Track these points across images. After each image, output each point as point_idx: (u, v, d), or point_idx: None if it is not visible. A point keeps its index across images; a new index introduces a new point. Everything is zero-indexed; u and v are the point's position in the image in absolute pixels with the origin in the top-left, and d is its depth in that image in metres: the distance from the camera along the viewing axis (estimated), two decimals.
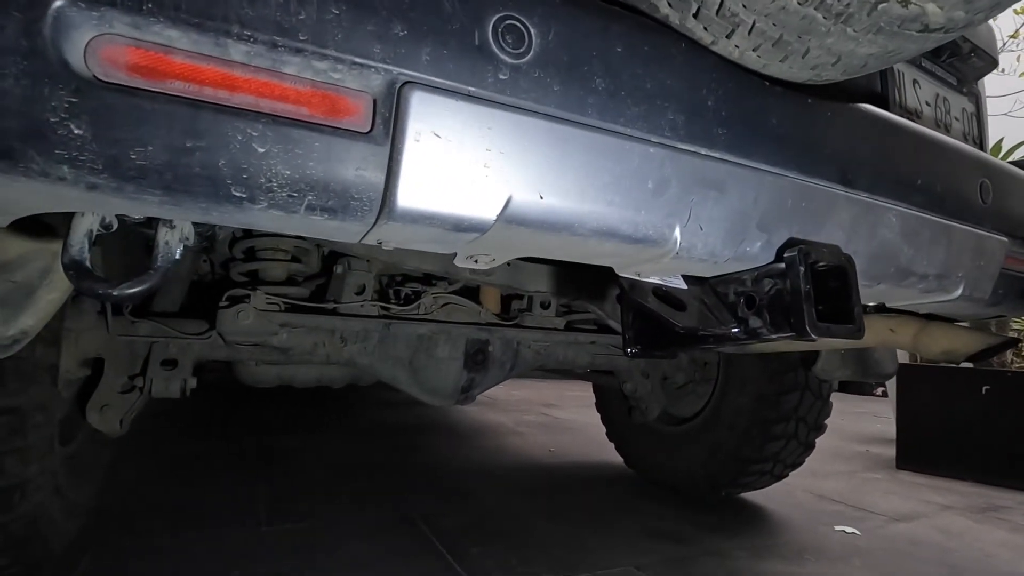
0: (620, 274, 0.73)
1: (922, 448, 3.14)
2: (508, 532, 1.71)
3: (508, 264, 1.73)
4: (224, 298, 1.47)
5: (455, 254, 0.66)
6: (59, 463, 1.18)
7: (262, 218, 0.50)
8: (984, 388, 2.97)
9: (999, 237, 0.93)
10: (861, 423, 5.29)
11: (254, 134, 0.44)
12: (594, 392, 2.82)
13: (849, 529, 1.97)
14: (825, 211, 0.71)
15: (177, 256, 0.60)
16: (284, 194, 0.47)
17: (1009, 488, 2.82)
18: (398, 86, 0.48)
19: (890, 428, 4.16)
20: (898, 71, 1.13)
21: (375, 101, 0.48)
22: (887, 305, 1.05)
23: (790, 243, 0.68)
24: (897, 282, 0.83)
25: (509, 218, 0.55)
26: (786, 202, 0.68)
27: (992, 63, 1.28)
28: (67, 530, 1.24)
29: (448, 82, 0.50)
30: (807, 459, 2.17)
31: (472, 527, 1.73)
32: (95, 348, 1.43)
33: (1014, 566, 1.73)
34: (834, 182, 0.72)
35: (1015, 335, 4.07)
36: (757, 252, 0.69)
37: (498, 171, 0.52)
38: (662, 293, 0.75)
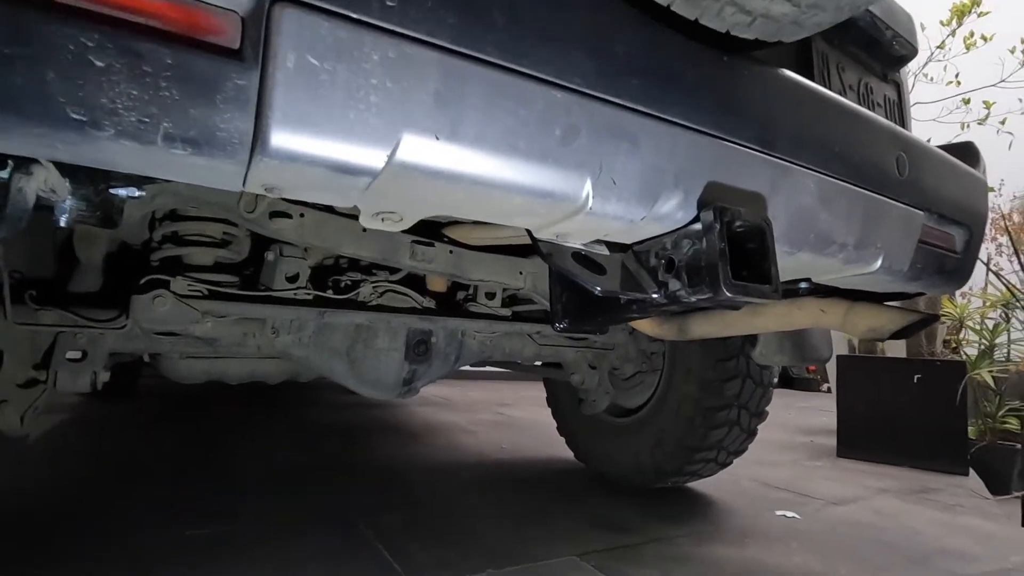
0: (538, 236, 0.70)
1: (860, 436, 3.26)
2: (451, 528, 1.66)
3: (451, 252, 1.69)
4: (141, 283, 1.37)
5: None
6: None
7: (117, 152, 0.44)
8: (916, 377, 3.10)
9: (915, 210, 0.95)
10: (807, 417, 5.47)
11: (90, 44, 0.39)
12: (545, 387, 2.80)
13: (790, 513, 2.00)
14: (743, 172, 0.70)
15: (29, 205, 0.53)
16: (133, 119, 0.42)
17: (939, 472, 2.95)
18: (268, 2, 0.44)
19: (834, 421, 4.31)
20: (823, 54, 1.15)
21: (243, 20, 0.44)
22: (813, 281, 1.06)
23: (707, 203, 0.66)
24: (818, 250, 0.83)
25: (402, 162, 0.51)
26: (703, 160, 0.67)
27: (912, 51, 1.32)
28: None
29: (327, 4, 0.45)
30: (754, 450, 2.21)
31: (414, 524, 1.67)
32: None
33: (940, 541, 1.80)
34: (752, 143, 0.71)
35: (936, 316, 4.28)
36: (674, 212, 0.67)
37: (385, 107, 0.48)
38: (581, 257, 0.73)
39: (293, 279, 1.62)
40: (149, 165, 0.47)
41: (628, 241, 0.74)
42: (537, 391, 3.12)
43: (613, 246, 0.77)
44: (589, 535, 1.66)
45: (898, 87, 1.34)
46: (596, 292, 0.70)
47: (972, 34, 4.38)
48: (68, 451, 2.33)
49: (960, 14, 4.31)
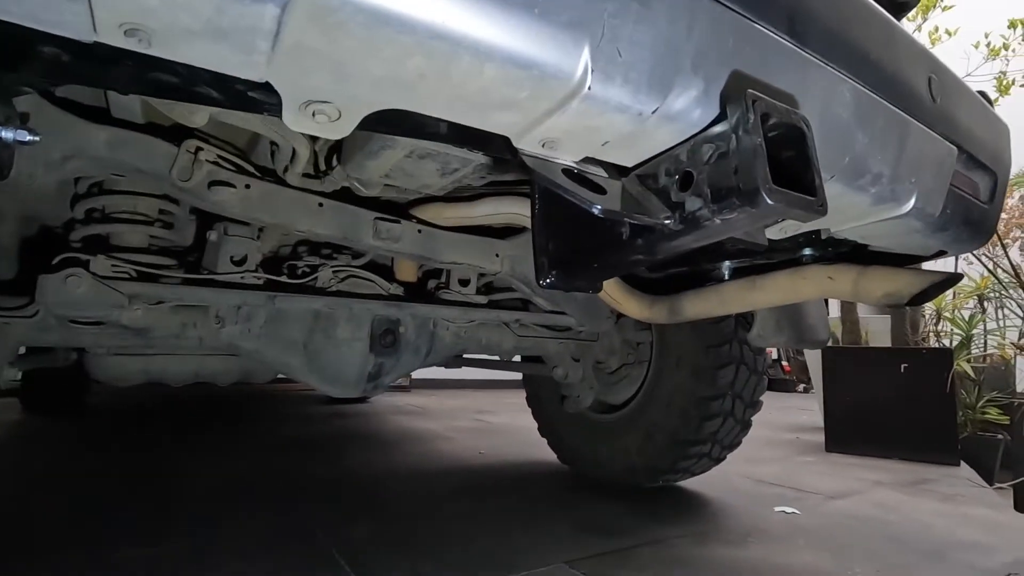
0: (521, 147, 0.55)
1: (849, 430, 3.18)
2: (424, 537, 1.48)
3: (419, 231, 1.53)
4: (53, 262, 1.17)
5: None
6: None
7: None
8: (903, 366, 3.04)
9: (949, 144, 0.83)
10: (789, 416, 5.42)
11: None
12: (524, 386, 2.64)
13: (789, 509, 1.88)
14: (774, 65, 0.57)
15: None
16: None
17: (930, 463, 2.88)
18: None
19: (816, 418, 4.26)
20: None
21: None
22: (832, 232, 0.93)
23: (733, 96, 0.52)
24: (851, 180, 0.70)
25: None
26: (727, 43, 0.53)
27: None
28: None
29: None
30: (742, 447, 2.08)
31: (382, 534, 1.48)
32: None
33: (951, 533, 1.69)
34: (782, 31, 0.57)
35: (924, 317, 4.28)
36: (691, 109, 0.53)
37: None
38: (574, 175, 0.58)
39: (240, 262, 1.43)
40: None
41: (631, 158, 0.60)
42: (518, 397, 2.96)
43: (611, 169, 0.63)
44: (579, 540, 1.49)
45: None
46: (595, 212, 0.55)
47: (937, 29, 4.44)
48: None
49: (925, 9, 4.36)
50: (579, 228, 0.66)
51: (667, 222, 0.57)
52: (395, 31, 0.39)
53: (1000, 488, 2.58)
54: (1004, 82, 4.44)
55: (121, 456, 2.35)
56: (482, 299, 1.80)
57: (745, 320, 1.83)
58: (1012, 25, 4.41)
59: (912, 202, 0.80)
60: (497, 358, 2.32)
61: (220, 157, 1.21)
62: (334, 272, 1.58)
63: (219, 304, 1.39)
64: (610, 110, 0.49)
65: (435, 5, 0.39)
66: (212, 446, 2.66)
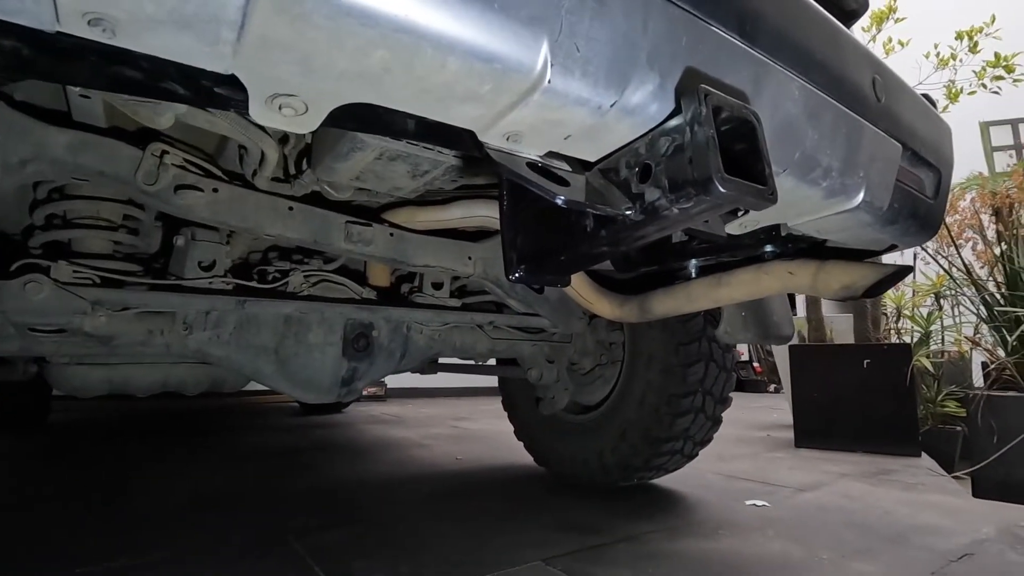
0: (485, 141, 0.57)
1: (817, 425, 3.26)
2: (400, 541, 1.47)
3: (391, 234, 1.53)
4: (11, 268, 1.14)
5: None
6: None
7: None
8: (866, 362, 3.14)
9: (894, 141, 0.88)
10: (759, 415, 5.53)
11: None
12: (500, 389, 2.65)
13: (760, 503, 1.92)
14: (725, 63, 0.60)
15: None
16: None
17: (893, 455, 2.98)
18: None
19: (786, 416, 4.36)
20: None
21: None
22: (789, 226, 0.97)
23: (687, 91, 0.55)
24: (802, 174, 0.73)
25: None
26: (680, 40, 0.55)
27: (864, 5, 1.29)
28: None
29: None
30: (714, 445, 2.13)
31: (358, 540, 1.47)
32: None
33: (912, 518, 1.75)
34: (734, 31, 0.61)
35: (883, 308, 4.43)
36: (648, 103, 0.55)
37: None
38: (539, 168, 0.60)
39: (209, 267, 1.41)
40: None
41: (594, 152, 0.62)
42: (495, 404, 2.97)
43: (575, 163, 0.65)
44: (555, 539, 1.51)
45: None
46: (559, 203, 0.57)
47: (890, 40, 4.63)
48: None
49: (879, 20, 4.55)
50: (546, 222, 0.68)
51: (628, 213, 0.59)
52: (359, 23, 0.40)
53: (958, 477, 2.69)
54: (953, 90, 4.65)
55: (87, 472, 2.28)
56: (456, 302, 1.81)
57: (713, 318, 1.88)
58: (959, 37, 4.63)
59: (861, 196, 0.84)
60: (472, 362, 2.33)
61: (187, 161, 1.20)
62: (305, 276, 1.57)
63: (186, 310, 1.36)
64: (570, 103, 0.51)
65: None
66: (183, 459, 2.59)
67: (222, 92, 0.51)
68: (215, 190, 1.26)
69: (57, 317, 1.17)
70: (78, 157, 1.09)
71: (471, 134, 0.57)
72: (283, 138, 1.21)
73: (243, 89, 0.49)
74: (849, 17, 1.31)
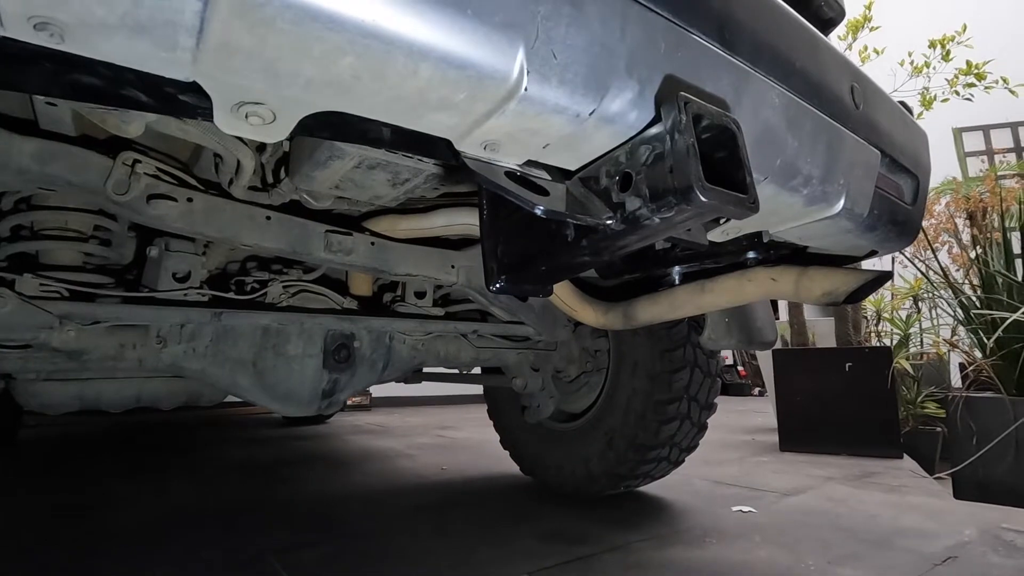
0: (462, 150, 0.55)
1: (800, 429, 3.29)
2: (382, 555, 1.44)
3: (372, 243, 1.50)
4: None
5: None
6: None
7: None
8: (847, 365, 3.17)
9: (873, 148, 0.89)
10: (745, 419, 5.57)
11: None
12: (485, 397, 2.63)
13: (746, 508, 1.92)
14: (705, 70, 0.59)
15: None
16: None
17: (876, 457, 3.01)
18: None
19: (771, 420, 4.39)
20: None
21: None
22: (771, 233, 0.97)
23: (667, 99, 0.54)
24: (783, 182, 0.73)
25: None
26: (659, 47, 0.55)
27: (840, 13, 1.30)
28: None
29: None
30: (700, 450, 2.12)
31: (338, 556, 1.43)
32: None
33: (896, 521, 1.76)
34: (712, 38, 0.60)
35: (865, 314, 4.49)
36: (627, 111, 0.54)
37: None
38: (518, 177, 0.58)
39: (184, 279, 1.38)
40: None
41: (573, 161, 0.61)
42: (482, 412, 2.94)
43: (555, 172, 0.63)
44: (542, 550, 1.48)
45: None
46: (539, 213, 0.56)
47: (866, 48, 4.72)
48: None
49: (855, 29, 4.64)
50: (526, 232, 0.67)
51: (609, 222, 0.58)
52: (325, 28, 0.39)
53: (940, 478, 2.71)
54: (927, 97, 4.75)
55: (55, 490, 2.20)
56: (439, 311, 1.79)
57: (697, 324, 1.88)
58: (932, 45, 4.74)
59: (842, 203, 0.84)
60: (456, 371, 2.31)
61: (160, 170, 1.16)
62: (284, 287, 1.54)
63: (160, 323, 1.33)
64: (548, 111, 0.50)
65: (365, 2, 0.39)
66: (159, 474, 2.52)
67: (187, 100, 0.49)
68: (190, 200, 1.23)
69: (22, 332, 1.12)
70: (45, 166, 1.05)
71: (448, 143, 0.55)
72: (260, 146, 1.19)
73: (208, 97, 0.47)
74: (827, 25, 1.32)
